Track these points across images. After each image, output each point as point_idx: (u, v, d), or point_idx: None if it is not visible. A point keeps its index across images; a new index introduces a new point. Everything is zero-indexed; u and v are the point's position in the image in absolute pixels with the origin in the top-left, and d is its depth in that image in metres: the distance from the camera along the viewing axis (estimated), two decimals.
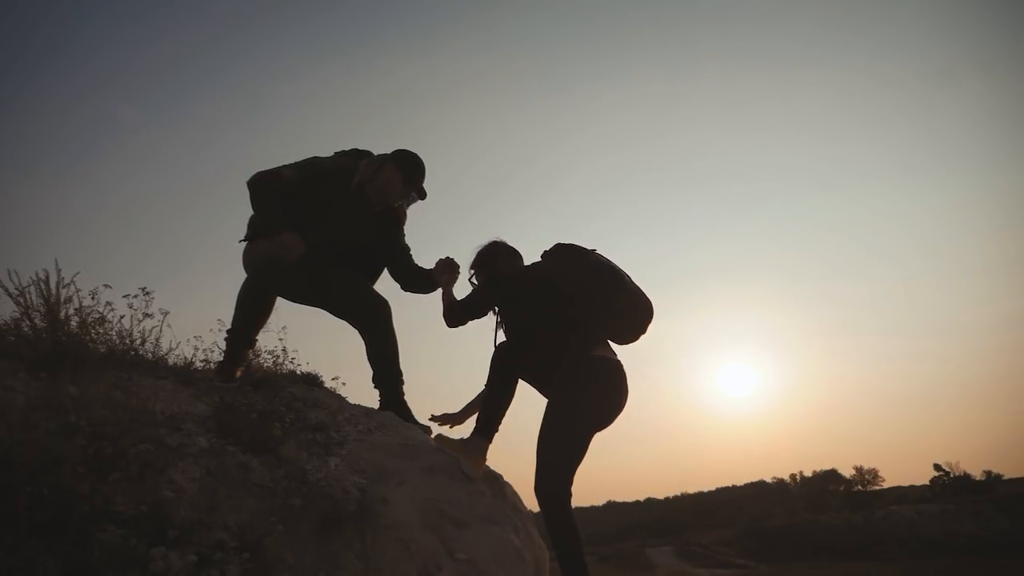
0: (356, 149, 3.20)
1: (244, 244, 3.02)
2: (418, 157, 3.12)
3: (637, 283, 2.63)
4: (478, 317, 2.81)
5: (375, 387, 3.07)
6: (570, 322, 2.51)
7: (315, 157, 3.06)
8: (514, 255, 2.87)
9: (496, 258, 2.84)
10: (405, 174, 3.08)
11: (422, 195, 3.17)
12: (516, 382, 2.65)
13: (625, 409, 2.54)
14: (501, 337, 2.75)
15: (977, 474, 28.82)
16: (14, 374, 2.05)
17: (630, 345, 2.67)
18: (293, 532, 1.76)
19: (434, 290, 3.09)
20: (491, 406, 2.62)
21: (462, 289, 2.96)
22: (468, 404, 2.88)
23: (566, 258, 2.63)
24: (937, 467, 29.27)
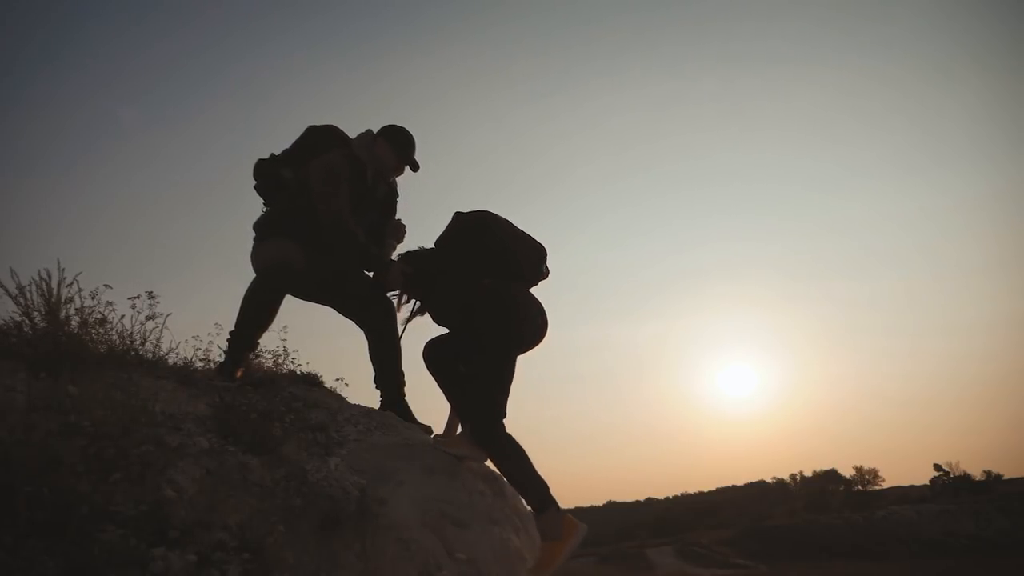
0: (313, 127, 3.16)
1: (252, 245, 3.02)
2: (407, 131, 3.15)
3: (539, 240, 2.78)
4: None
5: (376, 387, 3.08)
6: (462, 267, 2.65)
7: (328, 163, 3.01)
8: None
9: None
10: (398, 149, 3.11)
11: (415, 167, 3.19)
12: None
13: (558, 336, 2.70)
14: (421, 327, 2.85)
15: (977, 474, 28.87)
16: (14, 374, 2.05)
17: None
18: (293, 532, 1.76)
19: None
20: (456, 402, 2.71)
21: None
22: (449, 416, 2.91)
23: (452, 223, 2.75)
24: (937, 467, 29.32)
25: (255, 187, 3.16)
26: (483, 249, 2.64)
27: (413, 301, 2.84)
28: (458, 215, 2.71)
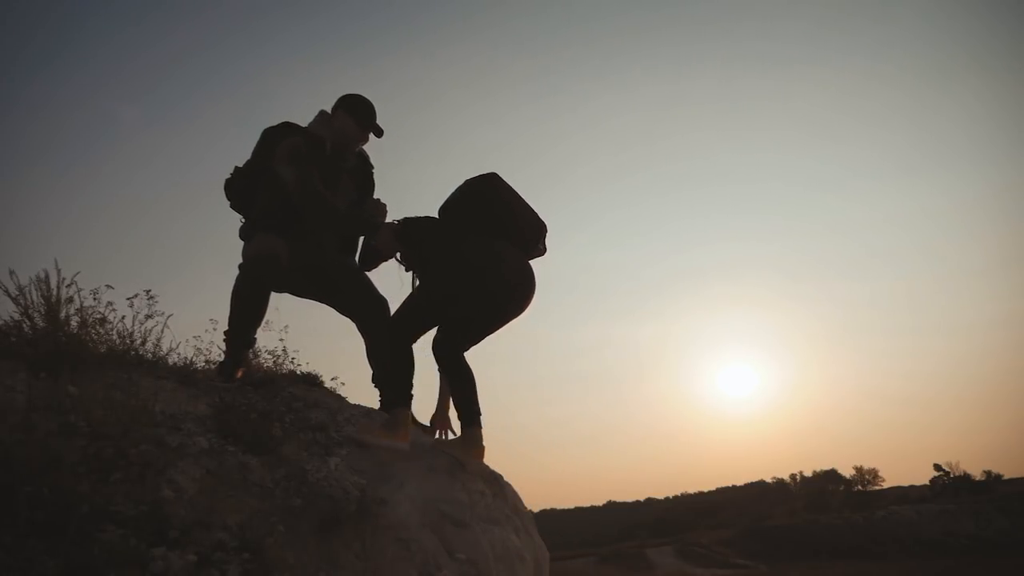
0: (268, 128, 3.09)
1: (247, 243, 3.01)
2: (364, 97, 3.09)
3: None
4: (378, 257, 3.04)
5: (375, 386, 3.07)
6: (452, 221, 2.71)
7: (287, 146, 2.93)
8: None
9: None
10: (358, 118, 3.05)
11: (378, 133, 3.13)
12: (466, 364, 2.70)
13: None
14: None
15: (977, 474, 28.86)
16: (14, 374, 2.05)
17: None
18: (293, 532, 1.76)
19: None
20: (462, 397, 2.64)
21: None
22: (439, 401, 2.94)
23: (458, 188, 2.79)
24: (937, 467, 29.32)
25: (231, 206, 3.11)
26: (481, 206, 2.64)
27: (412, 274, 2.82)
28: (467, 180, 2.72)
